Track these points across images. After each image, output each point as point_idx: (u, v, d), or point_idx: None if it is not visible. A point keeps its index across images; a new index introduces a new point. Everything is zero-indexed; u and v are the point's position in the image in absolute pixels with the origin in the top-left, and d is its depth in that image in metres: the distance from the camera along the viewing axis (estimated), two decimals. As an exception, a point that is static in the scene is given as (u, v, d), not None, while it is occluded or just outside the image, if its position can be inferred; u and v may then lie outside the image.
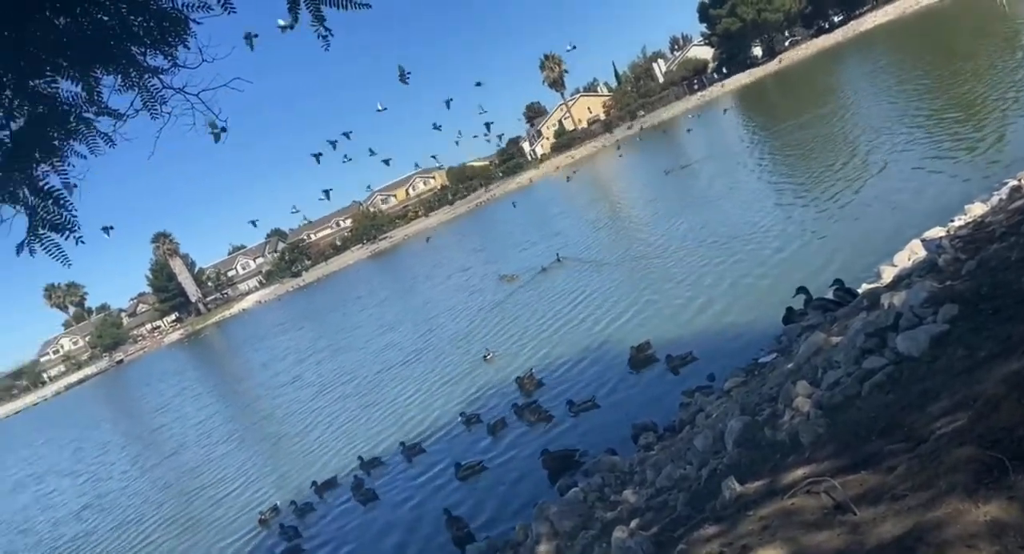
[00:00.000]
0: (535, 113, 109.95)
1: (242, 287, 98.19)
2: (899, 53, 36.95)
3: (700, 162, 30.49)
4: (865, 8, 68.20)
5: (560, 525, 5.79)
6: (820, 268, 10.92)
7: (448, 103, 44.04)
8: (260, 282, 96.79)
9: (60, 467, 25.23)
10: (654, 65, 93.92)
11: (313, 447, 13.99)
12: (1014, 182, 8.82)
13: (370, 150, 49.57)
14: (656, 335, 11.13)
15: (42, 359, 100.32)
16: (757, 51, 77.40)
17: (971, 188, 10.81)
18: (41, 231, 4.73)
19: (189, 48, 5.07)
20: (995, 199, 8.78)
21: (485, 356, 14.87)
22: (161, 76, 5.16)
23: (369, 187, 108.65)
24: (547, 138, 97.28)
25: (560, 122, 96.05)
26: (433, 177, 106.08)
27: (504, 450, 9.67)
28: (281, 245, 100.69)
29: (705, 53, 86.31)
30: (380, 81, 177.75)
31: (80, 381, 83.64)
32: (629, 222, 24.58)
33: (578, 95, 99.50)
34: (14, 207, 4.95)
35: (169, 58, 5.17)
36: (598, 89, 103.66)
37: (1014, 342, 3.45)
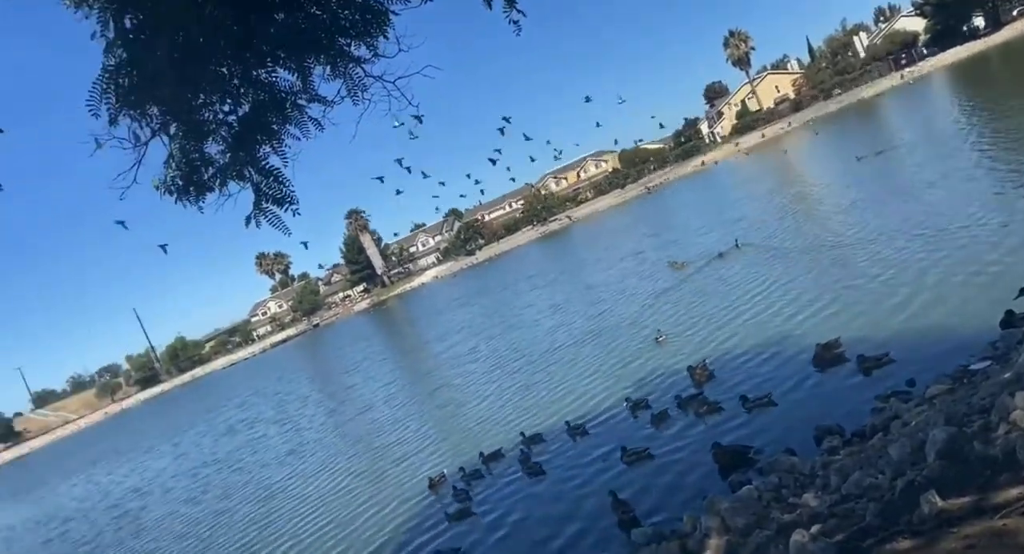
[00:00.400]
0: (716, 93, 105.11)
1: (421, 262, 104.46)
2: None
3: (905, 146, 27.44)
4: None
5: (732, 521, 5.58)
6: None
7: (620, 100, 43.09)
8: (437, 258, 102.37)
9: (267, 415, 28.50)
10: (855, 39, 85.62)
11: (483, 417, 14.61)
12: None
13: (524, 135, 49.75)
14: (847, 333, 10.26)
15: (252, 319, 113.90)
16: (979, 21, 67.75)
17: None
18: (264, 205, 5.33)
19: (388, 38, 5.44)
20: None
21: (657, 338, 14.72)
22: (363, 65, 5.58)
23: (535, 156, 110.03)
24: (728, 119, 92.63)
25: (743, 102, 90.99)
26: (605, 160, 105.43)
27: (670, 439, 9.47)
28: (457, 224, 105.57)
29: (915, 24, 76.96)
30: (556, 64, 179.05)
31: (283, 341, 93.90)
32: (819, 209, 22.76)
33: (765, 73, 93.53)
34: (240, 184, 5.61)
35: (371, 48, 5.56)
36: (788, 66, 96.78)
37: None
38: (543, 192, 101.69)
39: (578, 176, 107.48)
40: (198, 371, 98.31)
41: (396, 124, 5.99)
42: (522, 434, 11.72)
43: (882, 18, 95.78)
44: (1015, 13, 65.11)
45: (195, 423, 36.82)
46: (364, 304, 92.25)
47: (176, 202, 5.56)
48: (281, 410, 28.28)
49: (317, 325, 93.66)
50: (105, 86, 4.48)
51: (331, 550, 10.85)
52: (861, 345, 9.59)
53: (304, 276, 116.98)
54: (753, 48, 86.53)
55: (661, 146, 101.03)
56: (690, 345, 13.53)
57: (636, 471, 8.95)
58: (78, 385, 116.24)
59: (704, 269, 20.30)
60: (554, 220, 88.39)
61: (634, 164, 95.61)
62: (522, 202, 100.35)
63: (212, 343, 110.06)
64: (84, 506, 24.30)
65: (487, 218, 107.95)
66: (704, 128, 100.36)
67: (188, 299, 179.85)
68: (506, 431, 12.85)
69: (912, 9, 76.81)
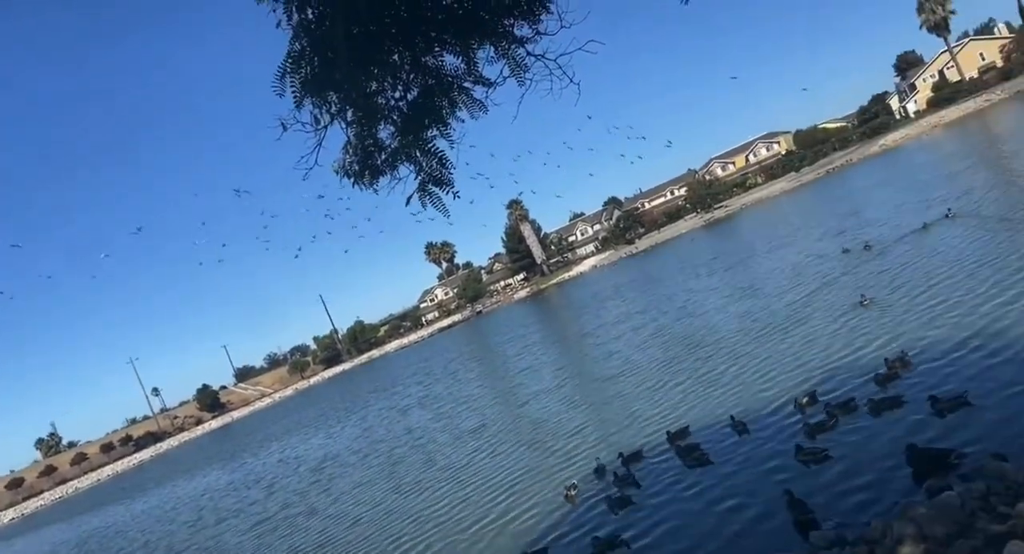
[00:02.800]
0: (908, 64, 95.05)
1: (580, 252, 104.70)
2: None
3: None
4: None
5: (930, 529, 4.97)
6: None
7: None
8: (596, 247, 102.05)
9: (441, 394, 29.99)
10: (1085, -9, 73.25)
11: (645, 407, 14.30)
12: None
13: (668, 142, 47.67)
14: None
15: (421, 305, 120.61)
16: None
17: None
18: (429, 187, 5.52)
19: (551, 13, 5.40)
20: None
21: (861, 301, 14.60)
22: (525, 45, 5.58)
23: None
24: (923, 92, 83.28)
25: (941, 73, 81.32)
26: (777, 142, 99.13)
27: (853, 438, 8.65)
28: (616, 213, 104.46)
29: None
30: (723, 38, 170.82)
31: (448, 326, 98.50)
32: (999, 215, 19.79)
33: (967, 39, 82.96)
34: (409, 167, 5.85)
35: (533, 27, 5.55)
36: (995, 31, 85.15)
37: None
38: (707, 178, 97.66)
39: (746, 160, 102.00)
40: (374, 352, 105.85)
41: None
42: (676, 429, 11.30)
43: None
44: None
45: (376, 399, 39.54)
46: (524, 293, 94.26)
47: (353, 185, 5.90)
48: (450, 391, 29.59)
49: (480, 312, 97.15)
50: (289, 69, 4.83)
51: (489, 529, 11.14)
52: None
53: (468, 265, 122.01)
54: (953, 12, 76.89)
55: (843, 125, 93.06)
56: (888, 329, 12.35)
57: (813, 471, 8.27)
58: (273, 362, 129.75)
59: (902, 244, 18.44)
60: (719, 207, 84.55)
61: (811, 145, 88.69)
62: (684, 189, 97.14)
63: (386, 327, 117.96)
64: (285, 469, 26.93)
65: (647, 206, 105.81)
66: (894, 103, 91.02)
67: (366, 286, 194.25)
68: (666, 421, 12.48)
69: None
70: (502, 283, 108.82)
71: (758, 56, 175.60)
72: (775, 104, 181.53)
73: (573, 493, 10.33)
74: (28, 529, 55.76)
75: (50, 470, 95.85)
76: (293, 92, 5.03)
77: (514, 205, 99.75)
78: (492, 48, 5.51)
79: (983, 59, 79.41)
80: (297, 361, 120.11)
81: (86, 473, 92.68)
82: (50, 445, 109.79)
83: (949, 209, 19.86)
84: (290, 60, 4.92)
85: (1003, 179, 23.34)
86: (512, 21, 5.48)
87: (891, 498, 6.56)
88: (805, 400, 10.30)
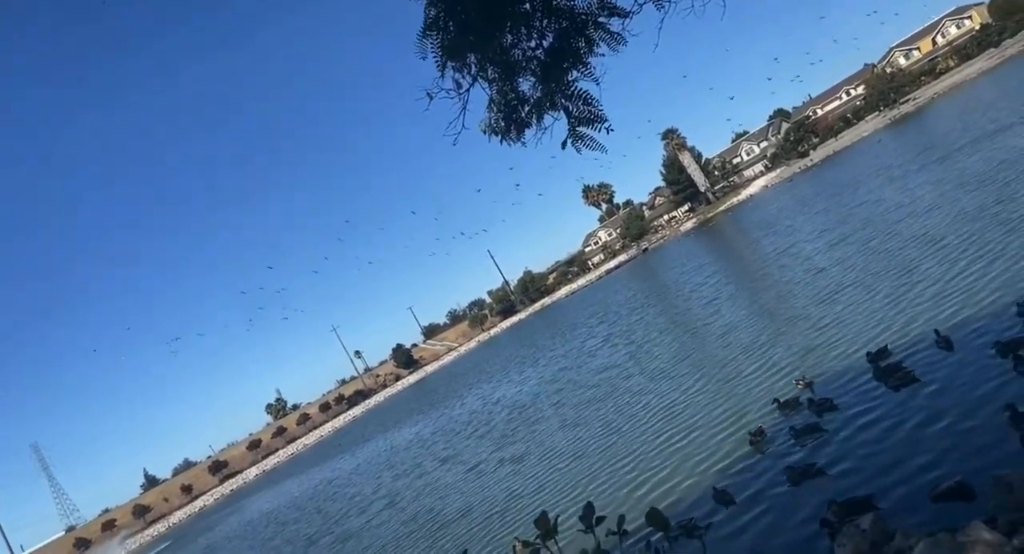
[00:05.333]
0: None
1: (747, 173, 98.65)
2: None
3: None
4: None
5: None
6: None
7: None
8: (765, 166, 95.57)
9: (620, 333, 30.26)
10: None
11: (830, 331, 13.47)
12: None
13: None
14: None
15: (585, 250, 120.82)
16: None
17: None
18: (579, 129, 5.53)
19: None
20: None
21: None
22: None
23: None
24: None
25: None
26: (968, 17, 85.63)
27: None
28: (785, 125, 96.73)
29: None
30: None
31: (616, 267, 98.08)
32: None
33: None
34: (554, 115, 5.88)
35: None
36: None
37: None
38: (889, 70, 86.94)
39: (934, 43, 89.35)
40: (546, 300, 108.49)
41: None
42: (867, 353, 10.52)
43: None
44: None
45: (557, 344, 40.68)
46: (690, 224, 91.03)
47: (501, 142, 6.05)
48: (623, 332, 29.71)
49: (646, 249, 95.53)
50: (427, 35, 5.00)
51: (672, 459, 11.24)
52: None
53: (628, 203, 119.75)
54: None
55: (1056, -20, 77.97)
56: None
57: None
58: (455, 318, 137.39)
59: None
60: (906, 101, 75.17)
61: (1012, 14, 75.47)
62: (863, 87, 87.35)
63: (554, 274, 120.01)
64: (486, 414, 28.76)
65: (819, 113, 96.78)
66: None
67: (531, 237, 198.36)
68: (863, 343, 11.66)
69: None
70: (666, 217, 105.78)
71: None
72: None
73: (758, 439, 9.95)
74: (270, 483, 64.63)
75: (281, 431, 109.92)
76: (434, 59, 5.22)
77: (670, 135, 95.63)
78: (625, -26, 5.35)
79: None
80: (476, 315, 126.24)
81: (310, 431, 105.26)
82: (278, 409, 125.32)
83: None
84: (426, 28, 5.08)
85: None
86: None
87: None
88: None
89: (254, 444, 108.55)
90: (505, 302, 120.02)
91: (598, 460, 13.42)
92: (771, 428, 10.17)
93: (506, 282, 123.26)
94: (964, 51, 79.89)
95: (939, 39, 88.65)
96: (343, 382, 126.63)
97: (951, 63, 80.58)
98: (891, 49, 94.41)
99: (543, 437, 18.08)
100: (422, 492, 19.62)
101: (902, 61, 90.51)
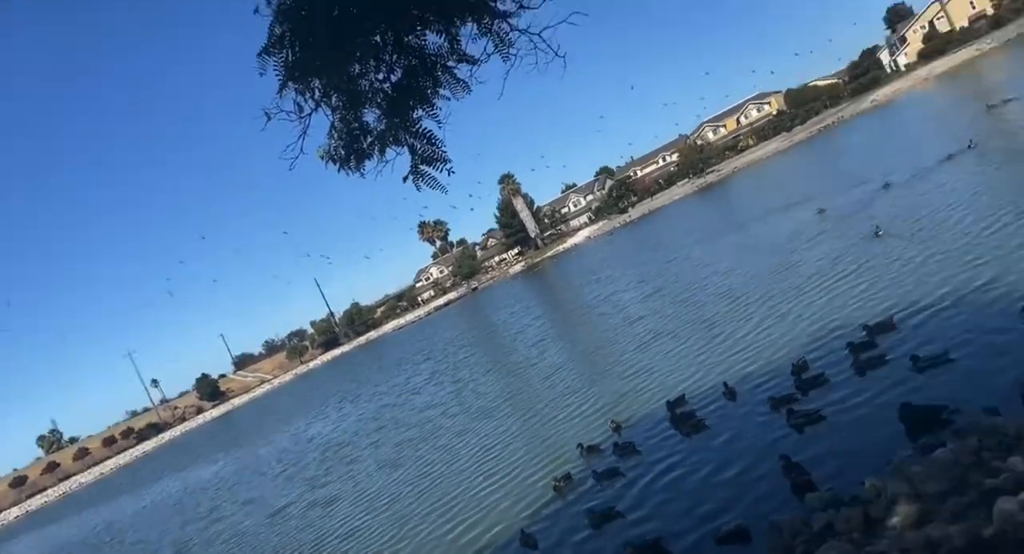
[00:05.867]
0: (899, 17, 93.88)
1: (574, 223, 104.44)
2: None
3: None
4: None
5: (924, 487, 5.06)
6: None
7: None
8: (589, 218, 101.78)
9: (433, 374, 30.16)
10: (1074, -65, 72.23)
11: (638, 378, 14.42)
12: None
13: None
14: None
15: (417, 285, 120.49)
16: None
17: None
18: (421, 167, 5.48)
19: (534, -14, 5.30)
20: None
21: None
22: (509, 20, 5.51)
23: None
24: (913, 45, 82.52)
25: (931, 23, 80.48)
26: (768, 102, 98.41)
27: (844, 400, 8.79)
28: (609, 182, 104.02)
29: None
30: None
31: (445, 304, 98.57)
32: (1015, 148, 19.83)
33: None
34: (397, 149, 5.80)
35: (516, 1, 5.48)
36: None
37: None
38: (699, 142, 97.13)
39: (737, 122, 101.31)
40: (372, 334, 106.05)
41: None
42: (674, 399, 11.41)
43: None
44: None
45: (371, 382, 39.68)
46: (518, 267, 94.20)
47: (339, 170, 5.85)
48: (449, 370, 29.73)
49: (476, 288, 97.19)
50: (270, 52, 4.74)
51: (485, 503, 11.35)
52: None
53: (462, 242, 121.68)
54: (944, -39, 75.90)
55: (835, 81, 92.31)
56: (873, 299, 12.41)
57: (807, 433, 8.41)
58: (271, 348, 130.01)
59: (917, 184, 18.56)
60: (711, 172, 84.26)
61: (801, 104, 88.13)
62: (676, 155, 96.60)
63: (383, 308, 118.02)
64: (293, 453, 27.14)
65: (639, 174, 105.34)
66: (884, 57, 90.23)
67: (361, 268, 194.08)
68: (663, 391, 12.59)
69: None
70: (497, 258, 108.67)
71: (746, 20, 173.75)
72: (766, 65, 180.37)
73: (562, 485, 10.35)
74: (33, 526, 56.22)
75: (52, 466, 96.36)
76: (277, 77, 4.97)
77: (506, 180, 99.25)
78: (475, 25, 5.43)
79: (973, 8, 78.43)
80: (295, 346, 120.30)
81: (89, 468, 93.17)
82: (51, 442, 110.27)
83: (971, 140, 21.00)
84: (270, 46, 4.83)
85: (999, 127, 23.25)
86: (495, -4, 5.41)
87: (884, 457, 6.66)
88: (799, 362, 10.38)
89: (18, 481, 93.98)
90: (328, 334, 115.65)
91: (414, 503, 13.18)
92: (578, 472, 10.65)
93: (331, 313, 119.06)
94: (762, 132, 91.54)
95: (742, 119, 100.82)
96: (134, 414, 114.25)
97: (751, 142, 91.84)
98: (702, 124, 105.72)
99: (359, 478, 17.45)
100: (216, 539, 18.08)
101: (711, 135, 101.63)
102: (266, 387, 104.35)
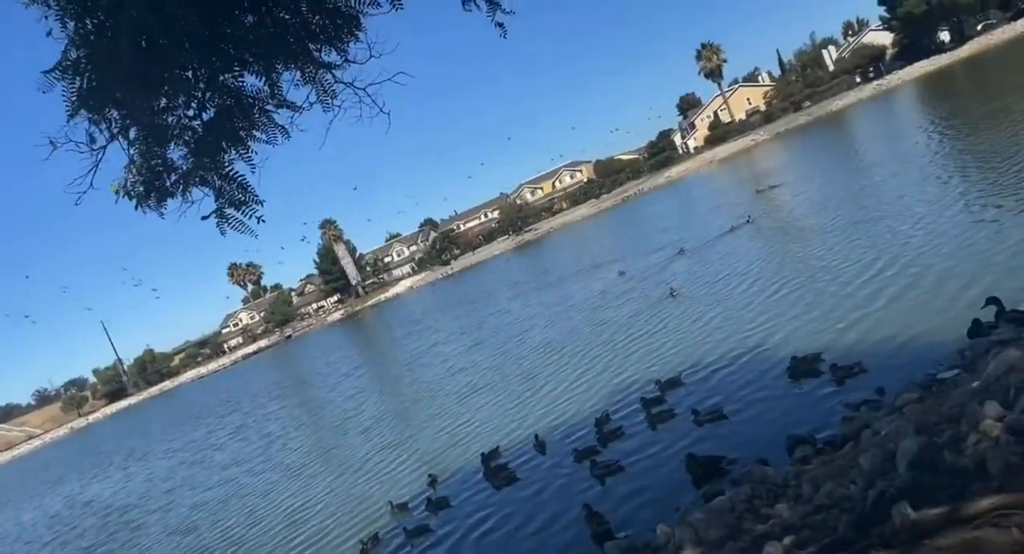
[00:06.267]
0: (689, 105, 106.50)
1: (396, 273, 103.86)
2: None
3: (873, 162, 28.08)
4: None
5: (705, 533, 5.54)
6: (1014, 276, 9.62)
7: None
8: (412, 269, 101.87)
9: (233, 429, 27.95)
10: (824, 52, 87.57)
11: (457, 431, 14.46)
12: None
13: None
14: (821, 341, 10.48)
15: (223, 331, 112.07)
16: (944, 36, 69.61)
17: None
18: (228, 211, 5.19)
19: (360, 41, 5.34)
20: None
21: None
22: (334, 71, 5.48)
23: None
24: (701, 131, 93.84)
25: (716, 114, 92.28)
26: (580, 170, 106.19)
27: (641, 451, 9.44)
28: (433, 234, 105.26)
29: (883, 39, 78.96)
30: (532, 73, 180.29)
31: (256, 352, 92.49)
32: (790, 221, 23.12)
33: (737, 86, 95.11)
34: (204, 190, 5.46)
35: (341, 54, 5.47)
36: (759, 79, 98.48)
37: None
38: (518, 202, 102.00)
39: (553, 186, 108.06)
40: (167, 384, 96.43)
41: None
42: (485, 453, 11.59)
43: (850, 32, 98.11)
44: (979, 27, 67.03)
45: (165, 438, 35.94)
46: (337, 315, 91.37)
47: (136, 208, 5.38)
48: (256, 423, 27.77)
49: (290, 336, 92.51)
50: (59, 77, 4.31)
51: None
52: (834, 354, 9.67)
53: (277, 287, 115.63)
54: (725, 61, 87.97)
55: (636, 157, 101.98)
56: (665, 356, 13.57)
57: (608, 484, 8.90)
58: (44, 399, 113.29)
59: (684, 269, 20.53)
60: (529, 230, 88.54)
61: (608, 174, 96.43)
62: (497, 212, 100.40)
63: (182, 356, 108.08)
64: (75, 511, 23.52)
65: (462, 228, 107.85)
66: (677, 139, 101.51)
67: (159, 310, 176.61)
68: (470, 444, 12.76)
69: (880, 23, 78.66)
70: (314, 305, 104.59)
71: (569, 91, 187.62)
72: (582, 136, 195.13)
73: (369, 546, 9.99)
74: None
75: None
76: (66, 102, 4.51)
77: (328, 225, 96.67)
78: (298, 72, 5.34)
79: (750, 103, 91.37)
80: (72, 396, 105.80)
81: None
82: None
83: (743, 221, 23.95)
84: (62, 70, 4.39)
85: (767, 207, 26.92)
86: (319, 46, 5.35)
87: (674, 504, 7.24)
88: (602, 416, 11.02)
89: None
90: (115, 383, 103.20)
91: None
92: (387, 531, 10.35)
93: (119, 360, 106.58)
94: (575, 197, 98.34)
95: (558, 183, 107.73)
96: None
97: (564, 205, 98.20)
98: (521, 185, 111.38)
99: (145, 546, 15.62)
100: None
101: (529, 196, 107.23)
102: (35, 442, 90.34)
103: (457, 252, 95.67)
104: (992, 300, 7.86)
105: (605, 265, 30.50)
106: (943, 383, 6.83)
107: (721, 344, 12.71)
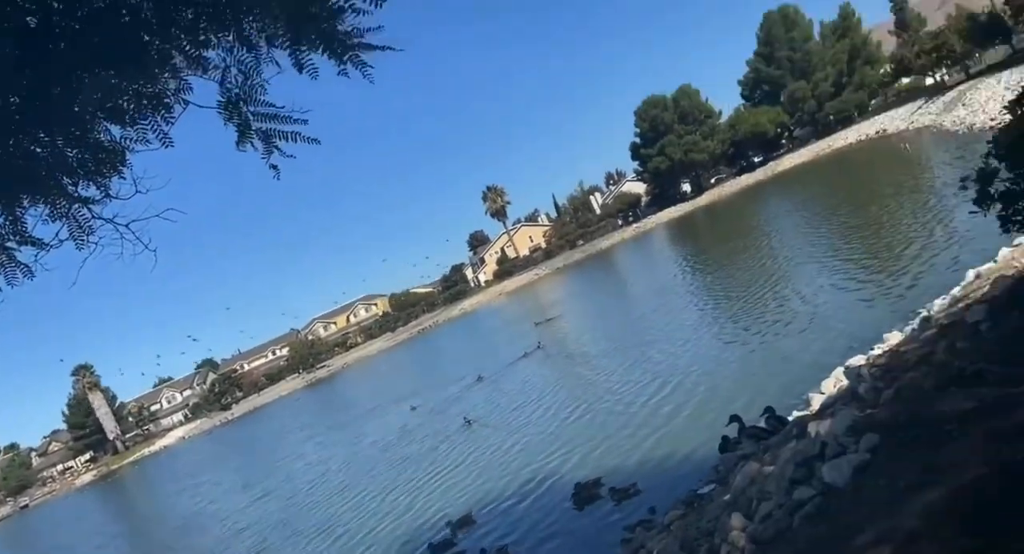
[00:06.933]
0: (478, 241, 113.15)
1: (166, 422, 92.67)
2: (816, 189, 40.05)
3: (640, 293, 31.61)
4: (782, 151, 74.66)
5: None
6: (755, 396, 11.03)
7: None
8: (186, 416, 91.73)
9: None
10: (591, 198, 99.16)
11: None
12: (925, 312, 9.38)
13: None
14: (602, 465, 11.04)
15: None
16: (686, 187, 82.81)
17: (889, 318, 11.23)
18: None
19: (124, 178, 5.10)
20: (909, 329, 9.26)
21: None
22: (91, 206, 5.13)
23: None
24: (490, 265, 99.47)
25: (503, 250, 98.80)
26: (375, 304, 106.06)
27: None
28: (212, 376, 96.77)
29: (638, 188, 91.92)
30: (311, 205, 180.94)
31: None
32: (576, 347, 24.81)
33: (520, 225, 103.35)
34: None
35: (102, 189, 5.16)
36: (539, 219, 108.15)
37: (931, 471, 3.52)
38: (310, 338, 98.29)
39: (348, 320, 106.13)
40: None
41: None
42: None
43: (612, 181, 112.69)
44: (713, 181, 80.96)
45: None
46: (89, 476, 78.22)
47: None
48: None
49: (26, 506, 76.85)
50: None
51: None
52: (614, 477, 10.22)
53: (12, 447, 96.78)
54: (509, 202, 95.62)
55: (430, 290, 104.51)
56: (455, 491, 13.41)
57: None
58: None
59: (457, 405, 20.79)
60: (322, 367, 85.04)
61: (404, 307, 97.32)
62: (287, 349, 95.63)
63: None
64: None
65: (247, 367, 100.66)
66: (469, 273, 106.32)
67: None
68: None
69: (634, 175, 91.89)
70: (60, 466, 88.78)
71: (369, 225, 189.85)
72: (377, 270, 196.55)
73: None
74: None
75: None
76: None
77: (82, 371, 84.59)
78: (48, 207, 4.94)
79: (532, 241, 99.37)
80: None
81: None
82: None
83: (529, 350, 23.73)
84: None
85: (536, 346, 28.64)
86: (76, 180, 5.04)
87: None
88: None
89: None
90: None
91: None
92: None
93: None
94: (370, 330, 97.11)
95: (352, 318, 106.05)
96: None
97: (359, 339, 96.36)
98: (313, 319, 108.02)
99: None
100: None
101: (322, 331, 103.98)
102: None
103: (240, 394, 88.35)
104: (734, 418, 8.95)
105: (403, 399, 30.06)
106: (703, 498, 7.50)
107: (514, 474, 12.88)
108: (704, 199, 74.86)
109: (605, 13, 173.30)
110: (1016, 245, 9.52)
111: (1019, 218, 5.93)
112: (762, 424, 8.47)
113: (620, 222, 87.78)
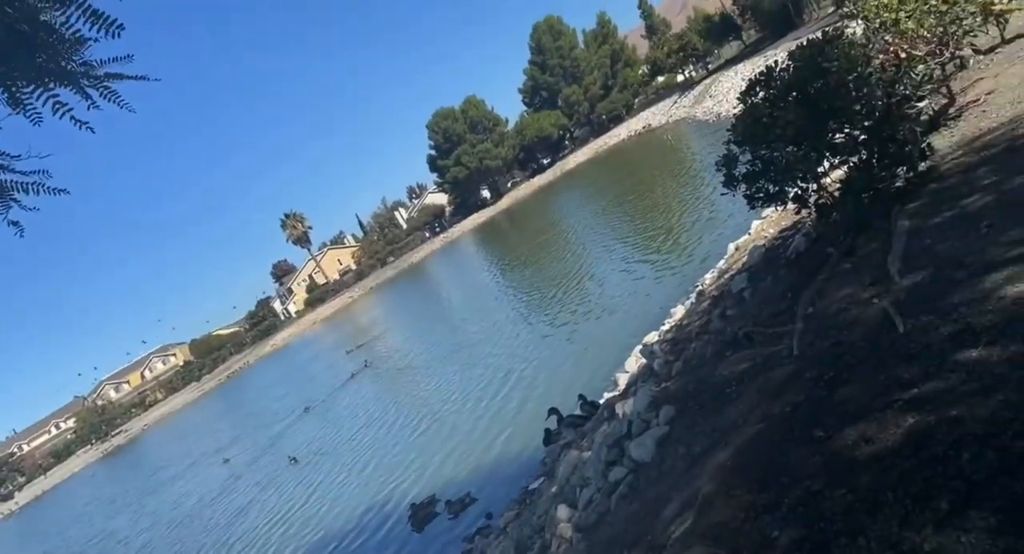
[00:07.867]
0: (283, 271, 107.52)
1: (-75, 530, 77.19)
2: (601, 184, 43.11)
3: (456, 302, 31.91)
4: (566, 151, 79.75)
5: None
6: (572, 384, 11.55)
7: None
8: (-48, 519, 77.11)
9: None
10: (396, 213, 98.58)
11: None
12: (700, 287, 10.40)
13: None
14: (436, 481, 10.90)
15: None
16: (486, 193, 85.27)
17: (675, 293, 12.35)
18: None
19: None
20: (689, 302, 10.21)
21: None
22: None
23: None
24: (299, 295, 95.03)
25: (311, 277, 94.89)
26: (173, 354, 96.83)
27: None
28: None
29: (441, 198, 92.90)
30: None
31: None
32: (405, 362, 24.40)
33: (326, 249, 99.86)
34: None
35: None
36: (345, 241, 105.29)
37: (718, 433, 3.84)
38: (100, 403, 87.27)
39: (143, 377, 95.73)
40: None
41: None
42: None
43: (414, 195, 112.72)
44: (509, 185, 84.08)
45: None
46: None
47: None
48: None
49: None
50: None
51: None
52: (449, 490, 10.15)
53: None
54: (310, 227, 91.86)
55: (237, 330, 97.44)
56: (296, 536, 12.58)
57: None
58: None
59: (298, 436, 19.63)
60: (119, 433, 75.85)
61: (208, 353, 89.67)
62: (73, 420, 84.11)
63: None
64: None
65: (27, 448, 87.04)
66: (277, 306, 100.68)
67: None
68: None
69: (435, 187, 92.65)
70: None
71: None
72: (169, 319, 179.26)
73: None
74: None
75: None
76: None
77: None
78: None
79: (340, 264, 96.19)
80: None
81: None
82: None
83: (306, 406, 22.64)
84: None
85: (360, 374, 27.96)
86: None
87: None
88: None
89: None
90: None
91: None
92: None
93: None
94: (171, 384, 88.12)
95: (147, 373, 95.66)
96: None
97: (159, 395, 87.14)
98: (101, 382, 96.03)
99: None
100: None
101: (113, 394, 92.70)
102: None
103: (22, 480, 76.11)
104: (552, 410, 9.30)
105: (223, 449, 27.65)
106: (533, 493, 7.68)
107: (347, 507, 12.38)
108: (504, 202, 77.62)
109: (389, 32, 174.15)
110: (764, 217, 10.88)
111: (761, 195, 6.73)
112: (578, 411, 8.87)
113: (428, 234, 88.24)
